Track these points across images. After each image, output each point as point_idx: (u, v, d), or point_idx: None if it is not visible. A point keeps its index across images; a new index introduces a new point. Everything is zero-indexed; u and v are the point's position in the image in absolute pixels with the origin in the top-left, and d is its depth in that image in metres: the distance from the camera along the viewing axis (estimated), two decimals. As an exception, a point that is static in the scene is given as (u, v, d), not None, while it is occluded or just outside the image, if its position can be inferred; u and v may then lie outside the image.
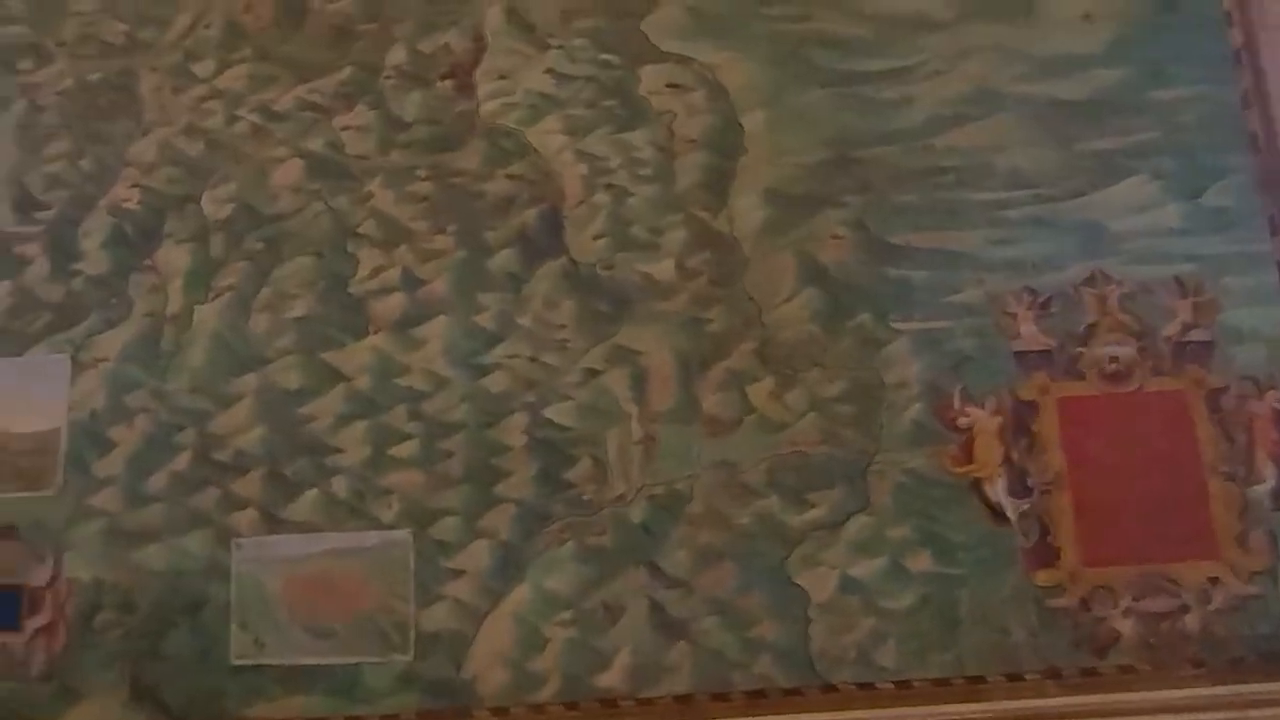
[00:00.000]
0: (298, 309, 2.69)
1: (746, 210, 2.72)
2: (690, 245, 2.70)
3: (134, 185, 2.81)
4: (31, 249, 2.79)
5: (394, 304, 2.68)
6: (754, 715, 2.38)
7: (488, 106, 2.84)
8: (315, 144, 2.82)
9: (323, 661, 2.47)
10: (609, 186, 2.75)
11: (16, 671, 2.51)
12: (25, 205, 2.83)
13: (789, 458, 2.54)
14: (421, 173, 2.78)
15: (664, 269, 2.68)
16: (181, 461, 2.59)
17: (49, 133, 2.87)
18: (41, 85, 2.92)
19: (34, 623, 2.54)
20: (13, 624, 2.53)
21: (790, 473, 2.53)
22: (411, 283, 2.70)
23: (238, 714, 2.45)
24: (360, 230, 2.75)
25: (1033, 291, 2.62)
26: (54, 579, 2.56)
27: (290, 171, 2.81)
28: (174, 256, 2.75)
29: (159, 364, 2.67)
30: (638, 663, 2.44)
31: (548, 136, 2.80)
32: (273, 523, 2.55)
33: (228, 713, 2.45)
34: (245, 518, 2.55)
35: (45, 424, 2.66)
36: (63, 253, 2.78)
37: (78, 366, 2.68)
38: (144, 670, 2.49)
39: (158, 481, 2.59)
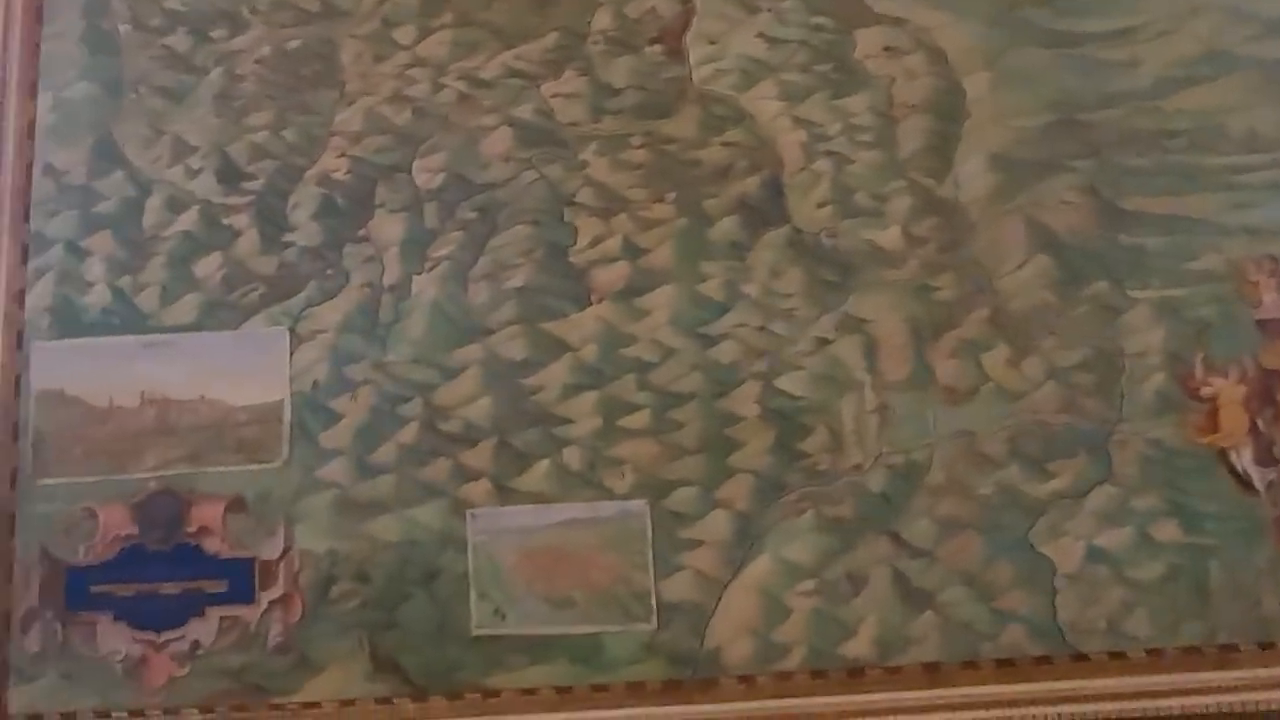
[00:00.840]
0: (517, 279, 2.67)
1: (972, 175, 2.67)
2: (916, 212, 2.66)
3: (341, 155, 2.78)
4: (240, 220, 2.76)
5: (616, 273, 2.66)
6: (1004, 683, 2.37)
7: (699, 72, 2.79)
8: (524, 111, 2.79)
9: (564, 631, 2.47)
10: (829, 153, 2.71)
11: (254, 644, 2.52)
12: (230, 176, 2.81)
13: (1029, 427, 2.51)
14: (635, 140, 2.74)
15: (890, 236, 2.64)
16: (409, 433, 2.58)
17: (249, 102, 2.84)
18: (238, 53, 2.88)
19: (268, 595, 2.55)
20: (248, 597, 2.56)
21: (1031, 442, 2.50)
22: (633, 251, 2.67)
23: (479, 684, 2.45)
24: (577, 199, 2.72)
25: (1274, 259, 2.57)
26: (286, 551, 2.57)
27: (500, 140, 2.78)
28: (387, 226, 2.73)
29: (379, 335, 2.65)
30: (883, 634, 2.43)
31: (762, 102, 2.75)
32: (505, 493, 2.54)
33: (469, 683, 2.45)
34: (478, 489, 2.54)
35: (267, 396, 2.67)
36: (273, 224, 2.76)
37: (296, 338, 2.67)
38: (382, 640, 2.49)
39: (386, 453, 2.58)
